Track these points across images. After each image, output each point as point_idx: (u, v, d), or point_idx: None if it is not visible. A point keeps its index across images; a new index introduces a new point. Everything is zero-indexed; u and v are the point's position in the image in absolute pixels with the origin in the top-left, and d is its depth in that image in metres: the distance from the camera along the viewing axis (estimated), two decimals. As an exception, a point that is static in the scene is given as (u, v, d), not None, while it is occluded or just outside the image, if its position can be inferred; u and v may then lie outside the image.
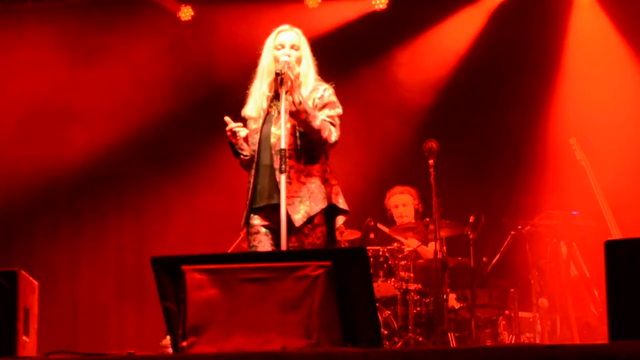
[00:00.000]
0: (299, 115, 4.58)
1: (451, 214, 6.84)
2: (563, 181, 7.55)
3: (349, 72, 8.18)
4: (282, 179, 4.51)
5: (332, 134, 4.68)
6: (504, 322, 6.82)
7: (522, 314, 6.74)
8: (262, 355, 3.11)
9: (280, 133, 4.64)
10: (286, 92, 4.58)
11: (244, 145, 4.84)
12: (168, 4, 8.54)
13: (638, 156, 7.56)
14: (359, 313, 3.54)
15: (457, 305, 6.77)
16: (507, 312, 6.79)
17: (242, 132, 4.82)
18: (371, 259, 6.75)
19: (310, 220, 4.65)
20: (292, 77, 4.61)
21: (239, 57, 7.58)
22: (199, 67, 8.55)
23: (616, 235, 6.47)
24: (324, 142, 4.66)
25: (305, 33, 4.92)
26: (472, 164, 8.08)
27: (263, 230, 4.75)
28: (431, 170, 6.46)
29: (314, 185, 4.68)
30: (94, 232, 8.67)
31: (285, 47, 4.80)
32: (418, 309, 6.77)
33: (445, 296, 6.49)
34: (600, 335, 6.15)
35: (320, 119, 4.64)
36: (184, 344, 3.51)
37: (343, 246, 6.85)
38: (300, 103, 4.56)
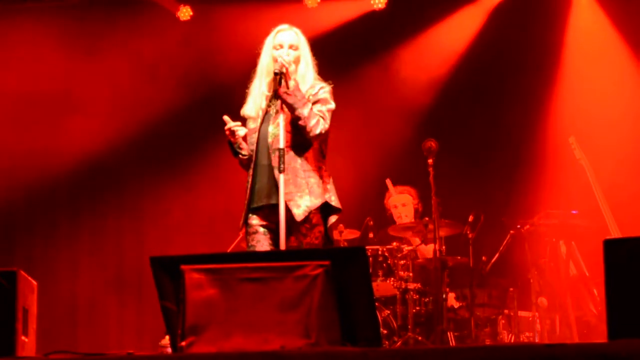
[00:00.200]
0: (287, 98, 4.58)
1: (450, 214, 6.84)
2: (562, 180, 7.55)
3: (348, 71, 8.18)
4: (281, 179, 4.51)
5: (318, 126, 4.66)
6: (503, 322, 6.81)
7: (521, 313, 6.74)
8: (261, 354, 3.11)
9: (278, 132, 4.64)
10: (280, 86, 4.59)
11: (243, 145, 4.85)
12: (167, 3, 8.54)
13: (637, 156, 7.56)
14: (358, 312, 3.54)
15: (456, 305, 6.77)
16: (506, 311, 6.79)
17: (241, 131, 4.82)
18: (370, 259, 6.75)
19: (308, 219, 4.64)
20: (287, 65, 4.62)
21: (238, 57, 7.59)
22: (199, 67, 8.55)
23: (615, 234, 6.47)
24: (308, 132, 4.65)
25: (304, 33, 4.92)
26: (471, 163, 8.08)
27: (261, 230, 4.75)
28: (430, 169, 6.45)
29: (313, 180, 4.68)
30: (93, 232, 8.67)
31: (284, 47, 4.80)
32: (417, 308, 6.77)
33: (444, 295, 6.49)
34: (599, 334, 6.15)
35: (309, 108, 4.64)
36: (183, 343, 3.51)
37: (342, 245, 6.86)
38: (293, 87, 4.57)
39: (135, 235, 8.61)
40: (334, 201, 4.77)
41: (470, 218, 6.75)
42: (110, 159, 8.56)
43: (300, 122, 4.63)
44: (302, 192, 4.63)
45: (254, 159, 4.77)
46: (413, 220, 7.35)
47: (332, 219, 4.77)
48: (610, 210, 6.60)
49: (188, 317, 3.52)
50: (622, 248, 3.31)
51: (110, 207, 8.67)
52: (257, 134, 4.78)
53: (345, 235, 7.09)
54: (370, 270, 6.43)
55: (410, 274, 6.80)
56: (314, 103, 4.73)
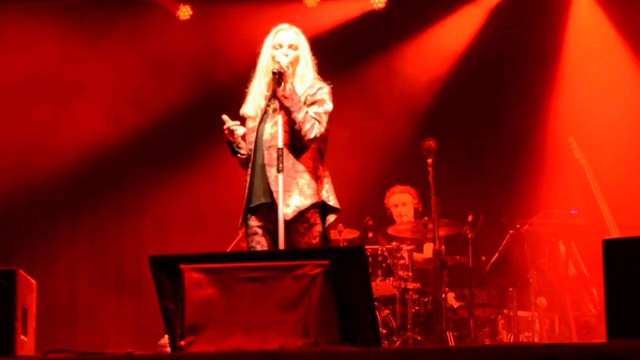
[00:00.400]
0: (284, 101, 4.58)
1: (450, 213, 6.85)
2: (561, 180, 7.55)
3: (348, 71, 8.18)
4: (280, 178, 4.51)
5: (313, 130, 4.66)
6: (502, 321, 6.82)
7: (520, 313, 6.74)
8: (260, 354, 3.11)
9: (274, 131, 4.65)
10: (279, 86, 4.59)
11: (242, 144, 4.84)
12: (167, 3, 8.54)
13: (637, 155, 7.56)
14: (358, 312, 3.54)
15: (455, 304, 6.77)
16: (505, 311, 6.79)
17: (240, 130, 4.82)
18: (370, 258, 6.75)
19: (305, 218, 4.64)
20: (285, 68, 4.62)
21: (238, 56, 7.59)
22: (198, 67, 8.55)
23: (614, 234, 6.47)
24: (303, 136, 4.65)
25: (304, 32, 4.92)
26: (470, 163, 8.08)
27: (260, 230, 4.75)
28: (430, 169, 6.45)
29: (303, 180, 4.67)
30: (92, 231, 8.67)
31: (284, 47, 4.80)
32: (417, 308, 6.78)
33: (443, 295, 6.49)
34: (598, 334, 6.15)
35: (304, 112, 4.63)
36: (182, 343, 3.50)
37: (341, 245, 6.86)
38: (289, 90, 4.57)
39: (134, 234, 8.61)
40: (332, 201, 4.76)
41: (470, 218, 6.76)
42: (109, 158, 8.56)
43: (296, 127, 4.63)
44: (292, 192, 4.63)
45: (252, 158, 4.77)
46: (413, 219, 7.35)
47: (330, 218, 4.76)
48: (609, 210, 6.60)
49: (187, 316, 3.52)
50: (621, 248, 3.30)
51: (109, 207, 8.67)
52: (255, 133, 4.78)
53: (344, 234, 7.09)
54: (370, 270, 6.43)
55: (410, 274, 6.80)
56: (312, 104, 4.72)
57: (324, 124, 4.71)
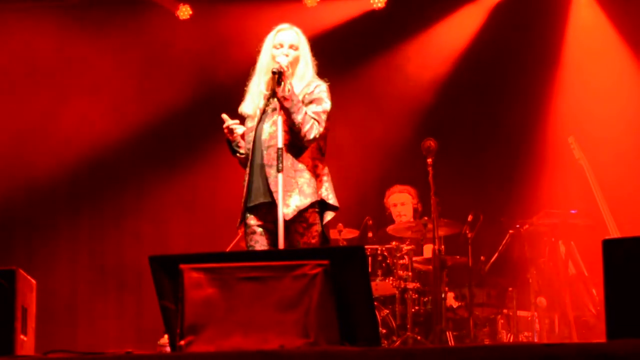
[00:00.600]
0: (284, 102, 4.58)
1: (449, 213, 6.85)
2: (561, 180, 7.55)
3: (348, 71, 8.18)
4: (279, 178, 4.51)
5: (312, 131, 4.66)
6: (502, 321, 6.82)
7: (520, 312, 6.75)
8: (260, 354, 3.11)
9: (272, 130, 4.65)
10: (279, 85, 4.58)
11: (241, 143, 4.85)
12: (166, 3, 8.54)
13: (637, 155, 7.56)
14: (357, 312, 3.54)
15: (455, 304, 6.77)
16: (505, 311, 6.79)
17: (239, 129, 4.82)
18: (369, 258, 6.75)
19: (304, 218, 4.64)
20: (285, 68, 4.62)
21: (238, 55, 7.59)
22: (198, 66, 8.55)
23: (614, 234, 6.47)
24: (303, 137, 4.66)
25: (303, 32, 4.91)
26: (470, 163, 8.08)
27: (259, 230, 4.74)
28: (429, 169, 6.45)
29: (303, 179, 4.67)
30: (92, 231, 8.67)
31: (284, 47, 4.80)
32: (416, 307, 6.78)
33: (443, 295, 6.49)
34: (598, 333, 6.15)
35: (303, 113, 4.63)
36: (182, 342, 3.50)
37: (341, 245, 6.86)
38: (289, 91, 4.57)
39: (134, 234, 8.61)
40: (332, 199, 4.76)
41: (470, 217, 6.76)
42: (109, 158, 8.55)
43: (295, 128, 4.63)
44: (292, 191, 4.63)
45: (250, 157, 4.76)
46: (412, 219, 7.35)
47: (328, 216, 4.76)
48: (609, 210, 6.60)
49: (187, 316, 3.52)
50: (621, 248, 3.30)
51: (109, 206, 8.67)
52: (253, 132, 4.78)
53: (344, 234, 7.09)
54: (370, 270, 6.43)
55: (410, 274, 6.80)
56: (310, 102, 4.72)
57: (323, 124, 4.71)
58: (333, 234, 6.71)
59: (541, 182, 7.80)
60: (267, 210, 4.69)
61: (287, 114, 4.61)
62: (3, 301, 3.95)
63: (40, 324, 4.49)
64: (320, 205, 4.73)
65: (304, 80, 4.79)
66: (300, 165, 4.69)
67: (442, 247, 6.76)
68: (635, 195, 7.35)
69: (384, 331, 6.62)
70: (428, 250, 6.95)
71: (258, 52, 4.91)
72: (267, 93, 4.77)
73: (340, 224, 6.97)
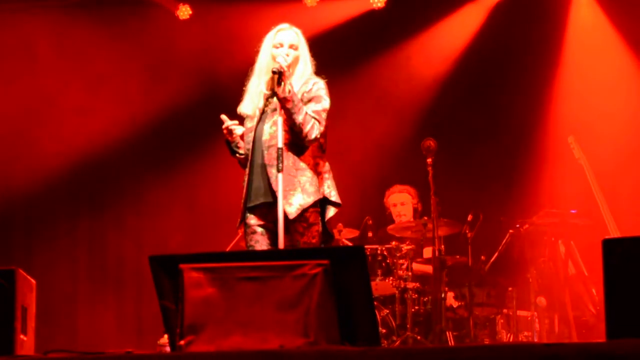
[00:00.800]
0: (285, 103, 4.58)
1: (449, 213, 6.85)
2: (561, 180, 7.55)
3: (348, 71, 8.18)
4: (280, 178, 4.51)
5: (314, 131, 4.66)
6: (502, 321, 6.82)
7: (520, 312, 6.75)
8: (260, 353, 3.11)
9: (273, 130, 4.64)
10: (279, 85, 4.58)
11: (241, 144, 4.85)
12: (166, 2, 8.54)
13: (637, 155, 7.56)
14: (357, 312, 3.54)
15: (455, 304, 6.77)
16: (505, 310, 6.79)
17: (239, 130, 4.82)
18: (369, 258, 6.75)
19: (304, 218, 4.64)
20: (285, 68, 4.62)
21: (237, 55, 7.58)
22: (198, 66, 8.54)
23: (614, 233, 6.47)
24: (304, 137, 4.66)
25: (303, 31, 4.91)
26: (470, 163, 8.08)
27: (259, 229, 4.74)
28: (429, 168, 6.45)
29: (305, 178, 4.67)
30: (92, 231, 8.67)
31: (284, 46, 4.79)
32: (416, 307, 6.78)
33: (443, 295, 6.49)
34: (598, 333, 6.15)
35: (304, 113, 4.63)
36: (182, 342, 3.50)
37: (341, 244, 6.86)
38: (289, 92, 4.57)
39: (134, 234, 8.61)
40: (334, 196, 4.76)
41: (469, 217, 6.76)
42: (109, 157, 8.55)
43: (296, 128, 4.63)
44: (294, 190, 4.63)
45: (250, 157, 4.76)
46: (412, 219, 7.35)
47: (330, 212, 4.75)
48: (609, 210, 6.60)
49: (187, 316, 3.52)
50: (621, 247, 3.30)
51: (109, 206, 8.67)
52: (253, 132, 4.78)
53: (344, 234, 7.09)
54: (369, 270, 6.43)
55: (409, 273, 6.80)
56: (309, 101, 4.72)
57: (324, 122, 4.72)
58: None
59: (541, 181, 7.81)
60: (268, 210, 4.69)
61: (288, 114, 4.61)
62: (3, 301, 3.95)
63: (40, 324, 4.49)
64: (322, 203, 4.73)
65: (303, 79, 4.79)
66: (302, 164, 4.69)
67: (442, 246, 6.76)
68: (635, 195, 7.35)
69: (384, 331, 6.62)
70: (428, 253, 6.95)
71: (257, 52, 4.90)
72: (268, 93, 4.76)
73: (340, 224, 6.97)
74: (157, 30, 8.55)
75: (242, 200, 4.78)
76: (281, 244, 4.45)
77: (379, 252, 6.86)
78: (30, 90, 8.46)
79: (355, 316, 3.53)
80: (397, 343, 6.46)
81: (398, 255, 6.83)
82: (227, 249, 6.69)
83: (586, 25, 8.04)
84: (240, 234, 4.95)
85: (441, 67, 8.34)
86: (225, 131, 4.82)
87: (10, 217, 8.61)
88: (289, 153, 4.66)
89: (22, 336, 4.09)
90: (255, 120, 4.80)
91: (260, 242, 4.73)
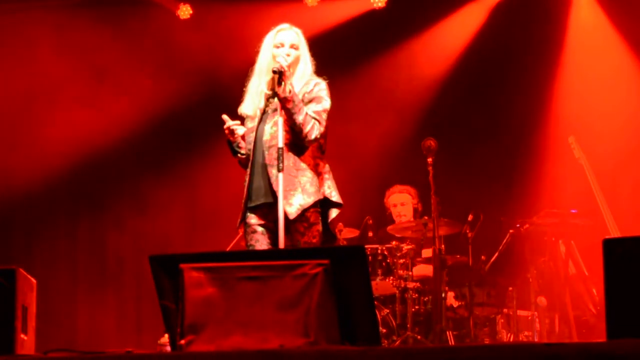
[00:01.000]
0: (285, 103, 4.58)
1: (450, 213, 6.85)
2: (562, 180, 7.55)
3: (348, 70, 8.18)
4: (280, 177, 4.51)
5: (314, 131, 4.66)
6: (502, 321, 6.82)
7: (520, 312, 6.75)
8: (260, 353, 3.11)
9: (273, 131, 4.64)
10: (280, 85, 4.58)
11: (242, 144, 4.84)
12: (167, 2, 8.54)
13: (637, 155, 7.56)
14: (357, 311, 3.54)
15: (455, 304, 6.77)
16: (505, 310, 6.79)
17: (240, 130, 4.82)
18: (370, 257, 6.75)
19: (305, 217, 4.64)
20: (285, 68, 4.62)
21: (238, 55, 7.58)
22: (198, 65, 8.54)
23: (614, 233, 6.47)
24: (304, 137, 4.66)
25: (304, 31, 4.91)
26: (470, 163, 8.08)
27: (260, 229, 4.74)
28: (430, 168, 6.45)
29: (305, 178, 4.67)
30: (92, 230, 8.67)
31: (285, 46, 4.79)
32: (416, 307, 6.78)
33: (443, 294, 6.49)
34: (598, 333, 6.16)
35: (304, 114, 4.63)
36: (182, 342, 3.50)
37: (341, 244, 6.86)
38: (290, 92, 4.57)
39: (134, 233, 8.61)
40: (335, 196, 4.76)
41: (470, 217, 6.76)
42: (109, 157, 8.55)
43: (296, 128, 4.63)
44: (295, 190, 4.63)
45: (251, 157, 4.76)
46: (412, 219, 7.35)
47: (333, 213, 4.76)
48: (609, 210, 6.60)
49: (187, 315, 3.52)
50: (621, 247, 3.30)
51: (109, 205, 8.67)
52: (254, 133, 4.78)
53: (344, 234, 7.09)
54: (370, 269, 6.43)
55: (410, 273, 6.80)
56: (309, 101, 4.72)
57: (324, 123, 4.72)
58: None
59: (541, 181, 7.81)
60: (268, 209, 4.69)
61: (289, 114, 4.61)
62: (3, 300, 3.94)
63: (40, 323, 4.49)
64: (323, 203, 4.73)
65: (303, 79, 4.79)
66: (302, 165, 4.69)
67: (443, 246, 6.76)
68: (635, 195, 7.35)
69: (384, 330, 6.62)
70: (427, 253, 6.95)
71: (257, 52, 4.90)
72: (269, 93, 4.76)
73: (340, 224, 6.97)
74: (158, 30, 8.56)
75: (243, 200, 4.78)
76: (281, 244, 4.46)
77: (379, 252, 6.86)
78: (30, 90, 8.47)
79: (356, 316, 3.53)
80: (397, 343, 6.46)
81: (398, 255, 6.83)
82: (228, 249, 6.69)
83: (586, 26, 8.04)
84: (241, 233, 4.95)
85: (441, 67, 8.34)
86: (226, 131, 4.81)
87: (10, 217, 8.61)
88: (290, 153, 4.66)
89: (22, 335, 4.08)
90: (256, 120, 4.80)
91: (261, 242, 4.73)
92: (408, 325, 6.63)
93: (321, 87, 4.79)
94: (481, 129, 8.17)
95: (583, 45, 8.01)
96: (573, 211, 6.72)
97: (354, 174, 7.87)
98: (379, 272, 6.82)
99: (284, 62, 4.67)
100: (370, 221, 7.22)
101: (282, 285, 3.47)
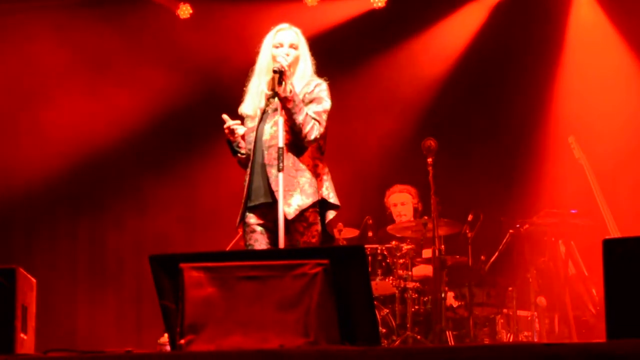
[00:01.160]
0: (286, 103, 4.58)
1: (450, 212, 6.85)
2: (562, 180, 7.55)
3: (348, 70, 8.18)
4: (280, 177, 4.51)
5: (313, 132, 4.66)
6: (502, 321, 6.82)
7: (520, 312, 6.75)
8: (259, 353, 3.11)
9: (274, 130, 4.65)
10: (280, 85, 4.58)
11: (242, 143, 4.84)
12: (167, 2, 8.54)
13: (637, 155, 7.56)
14: (357, 311, 3.54)
15: (455, 304, 6.77)
16: (505, 310, 6.79)
17: (240, 129, 4.82)
18: (369, 257, 6.75)
19: (304, 217, 4.64)
20: (286, 67, 4.62)
21: (238, 54, 7.58)
22: (198, 66, 8.54)
23: (614, 233, 6.47)
24: (304, 137, 4.66)
25: (303, 31, 4.91)
26: (470, 163, 8.08)
27: (259, 229, 4.75)
28: (430, 168, 6.45)
29: (304, 179, 4.67)
30: (92, 230, 8.68)
31: (285, 46, 4.79)
32: (416, 307, 6.78)
33: (443, 294, 6.49)
34: (598, 333, 6.15)
35: (304, 114, 4.63)
36: (182, 341, 3.50)
37: (341, 244, 6.86)
38: (290, 91, 4.57)
39: (134, 232, 8.61)
40: (332, 198, 4.76)
41: (470, 217, 6.76)
42: (109, 157, 8.55)
43: (296, 128, 4.63)
44: (293, 191, 4.63)
45: (251, 157, 4.77)
46: (412, 219, 7.35)
47: (330, 215, 4.76)
48: (609, 210, 6.60)
49: (187, 315, 3.52)
50: (621, 248, 3.30)
51: (109, 205, 8.67)
52: (254, 133, 4.78)
53: (344, 233, 7.09)
54: (370, 269, 6.43)
55: (410, 273, 6.80)
56: (310, 102, 4.72)
57: (324, 123, 4.72)
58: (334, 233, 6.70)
59: (541, 181, 7.81)
60: (267, 209, 4.69)
61: (289, 114, 4.61)
62: (3, 300, 3.94)
63: (40, 323, 4.49)
64: (321, 205, 4.73)
65: (304, 79, 4.79)
66: (301, 165, 4.69)
67: (442, 246, 6.76)
68: (635, 195, 7.35)
69: (384, 330, 6.62)
70: (427, 254, 6.95)
71: (257, 52, 4.90)
72: (269, 93, 4.76)
73: (340, 224, 6.97)
74: (158, 30, 8.56)
75: (243, 200, 4.78)
76: (281, 244, 4.46)
77: (379, 251, 6.86)
78: (30, 90, 8.47)
79: (355, 316, 3.53)
80: (397, 343, 6.46)
81: (398, 255, 6.83)
82: (227, 249, 6.69)
83: (587, 25, 8.04)
84: (240, 233, 4.95)
85: (441, 67, 8.34)
86: (227, 131, 4.81)
87: (10, 217, 8.61)
88: (289, 154, 4.66)
89: (22, 335, 4.08)
90: (257, 120, 4.80)
91: (260, 241, 4.73)
92: (408, 325, 6.63)
93: (322, 88, 4.79)
94: (481, 129, 8.17)
95: (583, 45, 8.01)
96: (573, 211, 6.72)
97: (354, 174, 7.87)
98: (379, 272, 6.82)
99: (284, 62, 4.67)
100: (370, 221, 7.22)
101: (282, 285, 3.47)
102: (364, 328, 3.53)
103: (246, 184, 4.78)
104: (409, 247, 6.91)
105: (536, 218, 6.69)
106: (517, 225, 6.69)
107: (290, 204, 4.61)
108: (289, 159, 4.65)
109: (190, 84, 8.53)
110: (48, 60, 8.42)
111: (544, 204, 7.17)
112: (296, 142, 4.69)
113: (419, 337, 6.53)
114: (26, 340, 4.17)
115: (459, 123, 8.21)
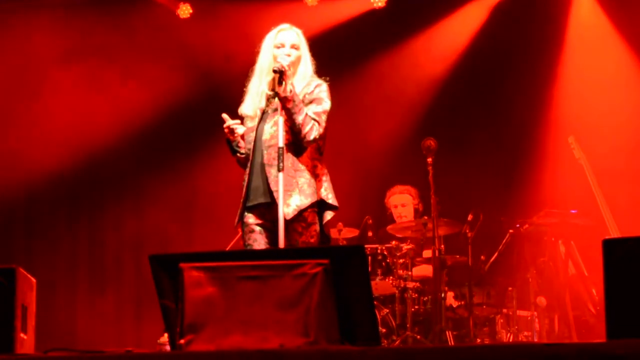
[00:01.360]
0: (286, 103, 4.58)
1: (449, 212, 6.85)
2: (561, 180, 7.55)
3: (348, 70, 8.18)
4: (280, 177, 4.51)
5: (312, 132, 4.66)
6: (502, 321, 6.82)
7: (520, 312, 6.75)
8: (259, 353, 3.11)
9: (273, 130, 4.64)
10: (280, 85, 4.58)
11: (242, 143, 4.84)
12: (167, 1, 8.54)
13: (636, 155, 7.56)
14: (357, 311, 3.54)
15: (455, 304, 6.77)
16: (505, 310, 6.79)
17: (240, 129, 4.82)
18: (369, 257, 6.75)
19: (303, 217, 4.64)
20: (286, 67, 4.62)
21: (238, 54, 7.58)
22: (198, 64, 8.55)
23: (614, 234, 6.47)
24: (303, 137, 4.66)
25: (304, 31, 4.91)
26: (470, 162, 8.08)
27: (258, 228, 4.74)
28: (430, 168, 6.45)
29: (303, 179, 4.67)
30: (92, 229, 8.67)
31: (286, 46, 4.79)
32: (416, 307, 6.78)
33: (443, 294, 6.50)
34: (598, 333, 6.15)
35: (304, 114, 4.63)
36: (182, 341, 3.50)
37: (341, 244, 6.86)
38: (290, 91, 4.57)
39: (134, 232, 8.61)
40: (331, 199, 4.76)
41: (470, 217, 6.76)
42: (109, 157, 8.55)
43: (295, 128, 4.63)
44: (292, 191, 4.63)
45: (250, 157, 4.76)
46: (413, 220, 7.34)
47: (328, 215, 4.76)
48: (609, 210, 6.60)
49: (187, 315, 3.52)
50: (621, 248, 3.30)
51: (109, 204, 8.67)
52: (254, 132, 4.78)
53: (344, 233, 7.10)
54: (369, 269, 6.43)
55: (410, 273, 6.80)
56: (310, 102, 4.72)
57: (323, 124, 4.72)
58: (333, 234, 6.71)
59: (541, 181, 7.80)
60: (266, 209, 4.69)
61: (288, 114, 4.61)
62: (3, 300, 3.94)
63: (40, 323, 4.49)
64: (320, 205, 4.73)
65: (304, 79, 4.79)
66: (301, 166, 4.69)
67: (442, 246, 6.77)
68: (635, 195, 7.35)
69: (384, 330, 6.62)
70: (428, 254, 6.94)
71: (257, 52, 4.90)
72: (270, 93, 4.76)
73: (340, 223, 6.97)
74: (158, 29, 8.55)
75: (242, 200, 4.78)
76: (281, 244, 4.46)
77: (379, 251, 6.86)
78: (29, 90, 8.46)
79: (355, 316, 3.53)
80: (397, 343, 6.46)
81: (398, 254, 6.83)
82: (227, 248, 6.69)
83: (586, 25, 8.04)
84: (240, 233, 4.95)
85: (442, 66, 8.34)
86: (226, 130, 4.81)
87: (10, 217, 8.61)
88: (288, 154, 4.66)
89: (22, 335, 4.08)
90: (257, 120, 4.80)
91: (259, 241, 4.73)
92: (408, 325, 6.63)
93: (322, 89, 4.78)
94: (481, 129, 8.17)
95: (583, 45, 8.01)
96: (573, 211, 6.72)
97: (354, 174, 7.87)
98: (379, 272, 6.82)
99: (284, 62, 4.67)
100: (370, 221, 7.22)
101: (282, 284, 3.47)
102: (364, 328, 3.53)
103: (245, 183, 4.78)
104: (409, 247, 6.91)
105: (536, 218, 6.69)
106: (517, 225, 6.70)
107: (289, 204, 4.61)
108: (288, 159, 4.65)
109: (190, 83, 8.54)
110: (48, 60, 8.42)
111: (544, 204, 7.17)
112: (296, 142, 4.69)
113: (418, 337, 6.53)
114: (26, 340, 4.17)
115: (459, 123, 8.20)
